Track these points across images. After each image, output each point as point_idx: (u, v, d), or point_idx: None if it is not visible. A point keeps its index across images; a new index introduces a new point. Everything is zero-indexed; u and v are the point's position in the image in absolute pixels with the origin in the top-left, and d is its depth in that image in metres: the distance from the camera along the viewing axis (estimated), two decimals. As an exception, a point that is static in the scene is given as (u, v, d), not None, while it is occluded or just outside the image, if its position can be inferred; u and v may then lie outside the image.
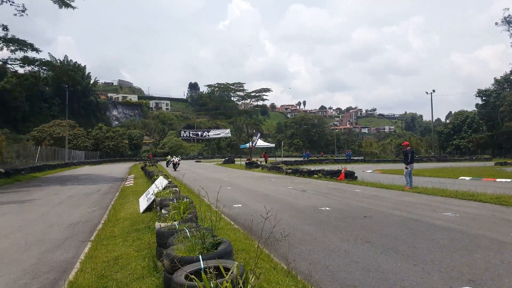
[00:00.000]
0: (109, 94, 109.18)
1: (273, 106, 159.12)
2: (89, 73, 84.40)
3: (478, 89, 62.98)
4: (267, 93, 58.60)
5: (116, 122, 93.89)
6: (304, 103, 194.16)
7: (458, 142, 65.84)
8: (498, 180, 16.47)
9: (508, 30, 56.71)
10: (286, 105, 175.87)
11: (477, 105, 64.82)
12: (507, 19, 56.92)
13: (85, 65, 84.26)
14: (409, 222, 7.29)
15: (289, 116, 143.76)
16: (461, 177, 18.09)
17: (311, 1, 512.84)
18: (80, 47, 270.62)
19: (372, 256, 5.03)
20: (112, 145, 63.37)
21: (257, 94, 58.97)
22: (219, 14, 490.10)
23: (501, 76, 61.02)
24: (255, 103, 66.09)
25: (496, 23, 58.67)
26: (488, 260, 4.77)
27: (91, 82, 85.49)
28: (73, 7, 23.57)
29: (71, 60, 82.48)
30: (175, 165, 31.62)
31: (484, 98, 62.17)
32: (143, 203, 9.02)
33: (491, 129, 61.49)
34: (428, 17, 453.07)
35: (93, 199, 11.98)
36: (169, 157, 39.37)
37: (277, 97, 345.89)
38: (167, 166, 34.93)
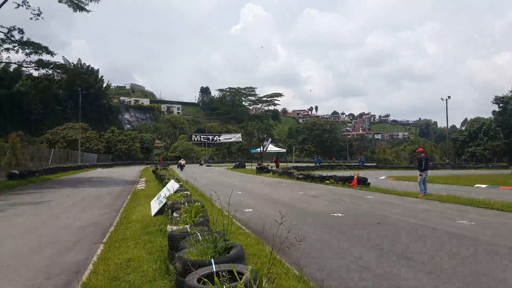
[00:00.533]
0: (121, 98, 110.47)
1: (284, 111, 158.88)
2: (102, 76, 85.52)
3: (495, 96, 62.15)
4: (278, 98, 58.85)
5: (128, 126, 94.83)
6: (316, 108, 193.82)
7: (474, 149, 64.76)
8: (515, 188, 16.14)
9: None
10: (298, 110, 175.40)
11: (493, 112, 63.85)
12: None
13: (98, 69, 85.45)
14: (423, 229, 7.17)
15: (300, 121, 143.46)
16: (476, 185, 17.81)
17: (325, 6, 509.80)
18: (93, 51, 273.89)
19: (386, 264, 4.95)
20: (124, 148, 64.01)
21: (268, 99, 59.20)
22: (232, 18, 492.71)
23: (519, 83, 60.13)
24: (266, 108, 66.31)
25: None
26: (506, 269, 4.65)
27: (104, 85, 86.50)
28: (87, 11, 23.95)
29: (84, 63, 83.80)
30: (182, 167, 39.50)
31: (501, 105, 61.23)
32: (155, 206, 9.06)
33: (508, 137, 60.45)
34: (444, 23, 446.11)
35: (105, 202, 12.08)
36: (180, 161, 44.62)
37: (289, 102, 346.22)
38: (177, 168, 39.75)
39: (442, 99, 56.30)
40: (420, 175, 13.24)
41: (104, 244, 5.99)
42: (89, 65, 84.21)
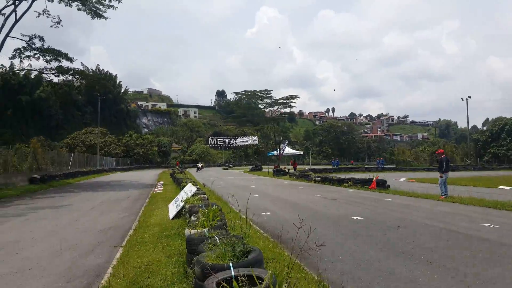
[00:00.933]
0: (139, 102, 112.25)
1: (300, 113, 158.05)
2: (120, 81, 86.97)
3: (518, 95, 60.42)
4: (294, 100, 58.30)
5: (146, 130, 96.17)
6: (333, 110, 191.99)
7: (496, 150, 63.04)
8: (541, 189, 15.64)
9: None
10: (314, 112, 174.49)
11: (516, 111, 62.08)
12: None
13: (116, 74, 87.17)
14: (446, 233, 6.99)
15: (317, 123, 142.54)
16: (500, 187, 17.36)
17: (340, 6, 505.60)
18: (111, 57, 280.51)
19: (407, 268, 4.84)
20: (142, 152, 64.80)
21: (284, 101, 58.81)
22: (247, 22, 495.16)
23: (543, 80, 58.44)
24: (282, 110, 65.97)
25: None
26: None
27: (122, 90, 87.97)
28: (105, 18, 24.42)
29: (102, 69, 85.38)
30: (199, 169, 43.22)
31: (524, 104, 59.48)
32: (173, 209, 9.10)
33: (532, 136, 58.55)
34: (463, 21, 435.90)
35: (124, 205, 12.22)
36: (198, 163, 49.83)
37: (305, 104, 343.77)
38: (197, 171, 42.97)
39: (462, 99, 55.06)
40: (441, 176, 12.93)
41: (123, 248, 6.04)
42: (107, 71, 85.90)
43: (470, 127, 71.26)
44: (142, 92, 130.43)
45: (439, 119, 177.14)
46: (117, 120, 79.52)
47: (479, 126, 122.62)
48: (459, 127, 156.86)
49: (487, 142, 66.20)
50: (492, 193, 14.38)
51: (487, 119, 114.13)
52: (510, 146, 61.20)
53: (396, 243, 6.23)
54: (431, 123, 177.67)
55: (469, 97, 54.54)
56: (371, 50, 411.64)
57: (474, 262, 5.01)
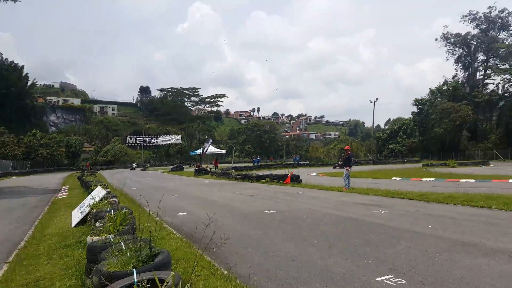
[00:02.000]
0: (48, 97, 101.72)
1: (227, 112, 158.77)
2: (26, 73, 77.33)
3: (415, 99, 68.33)
4: (222, 99, 58.33)
5: (54, 128, 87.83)
6: (258, 109, 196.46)
7: (393, 146, 70.60)
8: (424, 179, 18.33)
9: (445, 46, 63.61)
10: (241, 112, 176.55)
11: (412, 112, 70.08)
12: (446, 35, 63.77)
13: (23, 65, 76.91)
14: (345, 220, 7.72)
15: (242, 122, 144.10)
16: (393, 178, 19.67)
17: (272, 9, 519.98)
18: (19, 45, 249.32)
19: (309, 254, 5.23)
20: (46, 153, 58.21)
21: (212, 100, 58.45)
22: (179, 17, 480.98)
23: (435, 87, 66.74)
24: (209, 109, 65.45)
25: (436, 39, 65.42)
26: (408, 250, 5.17)
27: (29, 83, 78.66)
28: (14, 1, 21.77)
29: (6, 59, 75.82)
30: (133, 168, 51.59)
31: (419, 106, 67.39)
32: (76, 216, 8.45)
33: (422, 134, 66.45)
34: (379, 30, 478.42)
35: (17, 214, 10.90)
36: (134, 164, 57.78)
37: (232, 103, 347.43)
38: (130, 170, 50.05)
39: (371, 101, 60.37)
40: (347, 169, 14.24)
41: (9, 264, 5.37)
42: (13, 61, 76.38)
43: (374, 126, 78.57)
44: (53, 86, 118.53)
45: (350, 119, 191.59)
46: (19, 117, 70.76)
47: (382, 126, 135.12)
48: (366, 126, 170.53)
49: (387, 140, 73.81)
50: (386, 183, 16.33)
51: (389, 119, 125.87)
52: (404, 143, 69.02)
53: (301, 232, 6.66)
54: (342, 122, 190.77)
55: (376, 99, 60.23)
56: (298, 53, 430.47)
57: (365, 244, 5.60)
